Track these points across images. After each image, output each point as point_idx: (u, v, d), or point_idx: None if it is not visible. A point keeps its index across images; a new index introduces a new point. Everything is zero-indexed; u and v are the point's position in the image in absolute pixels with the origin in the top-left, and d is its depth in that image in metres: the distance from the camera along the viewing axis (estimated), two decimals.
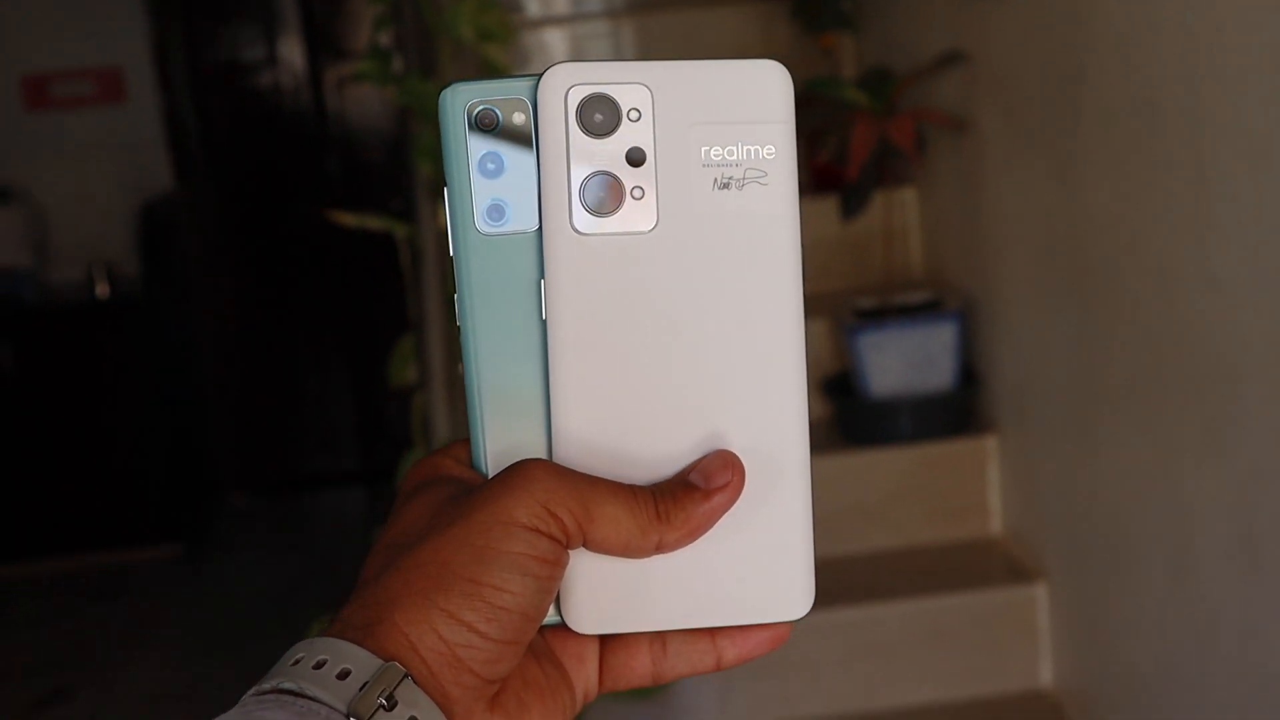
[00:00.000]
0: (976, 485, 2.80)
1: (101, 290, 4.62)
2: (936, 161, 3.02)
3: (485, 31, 2.03)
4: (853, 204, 2.82)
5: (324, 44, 5.04)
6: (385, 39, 2.27)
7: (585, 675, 0.55)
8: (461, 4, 2.03)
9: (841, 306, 2.93)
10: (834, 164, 3.01)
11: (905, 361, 2.79)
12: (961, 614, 2.62)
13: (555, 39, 3.55)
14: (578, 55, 3.57)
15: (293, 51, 5.02)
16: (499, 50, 2.04)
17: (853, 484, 2.80)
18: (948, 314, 2.79)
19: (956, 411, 2.82)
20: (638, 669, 0.55)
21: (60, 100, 4.79)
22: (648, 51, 3.50)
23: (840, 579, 2.72)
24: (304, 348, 5.15)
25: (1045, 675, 2.59)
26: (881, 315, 2.82)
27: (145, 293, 4.62)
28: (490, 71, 2.09)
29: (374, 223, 1.93)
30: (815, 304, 3.12)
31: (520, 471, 0.51)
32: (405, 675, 0.48)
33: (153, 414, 4.61)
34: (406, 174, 2.11)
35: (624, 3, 3.78)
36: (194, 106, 4.97)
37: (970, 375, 2.85)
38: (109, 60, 4.80)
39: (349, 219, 1.89)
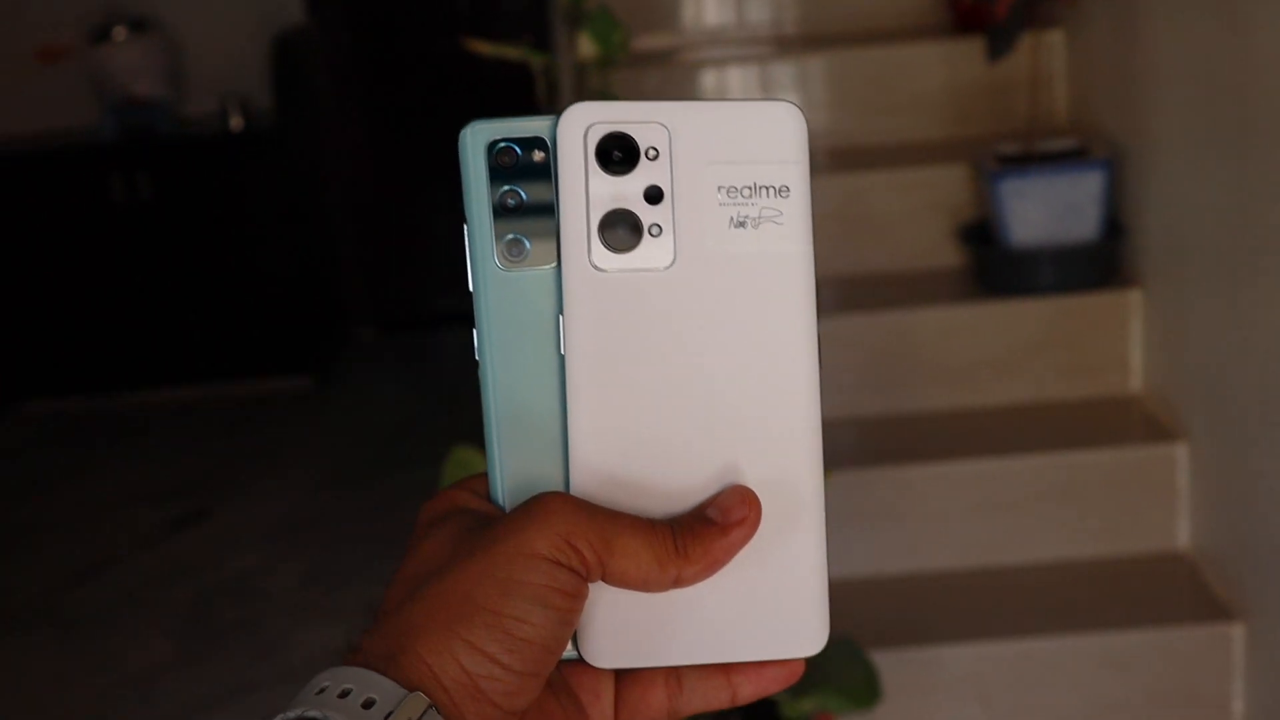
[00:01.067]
0: (1118, 340, 2.72)
1: (235, 123, 4.64)
2: (1088, 2, 2.89)
3: None
4: (999, 45, 2.71)
5: None
6: None
7: (601, 710, 0.56)
8: None
9: (983, 152, 2.84)
10: (981, 3, 2.89)
11: (1048, 210, 2.70)
12: (1097, 472, 2.56)
13: (727, 78, 3.35)
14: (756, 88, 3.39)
15: None
16: None
17: (988, 335, 2.74)
18: (1094, 162, 2.69)
19: (1100, 263, 2.73)
20: (653, 704, 0.56)
21: None
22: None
23: (972, 431, 2.68)
24: (433, 183, 5.14)
25: (1182, 537, 2.53)
26: (1025, 162, 2.73)
27: (277, 126, 4.63)
28: None
29: (510, 52, 1.88)
30: (955, 149, 3.03)
31: (541, 504, 0.51)
32: (429, 705, 0.48)
33: (284, 247, 4.65)
34: (543, 4, 2.05)
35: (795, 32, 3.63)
36: None
37: (1115, 226, 2.76)
38: None
39: (485, 48, 1.85)
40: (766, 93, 3.25)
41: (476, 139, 0.54)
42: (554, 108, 1.94)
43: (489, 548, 0.50)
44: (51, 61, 4.83)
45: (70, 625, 3.37)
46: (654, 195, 0.53)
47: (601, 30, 1.89)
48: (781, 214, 0.53)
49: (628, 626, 0.54)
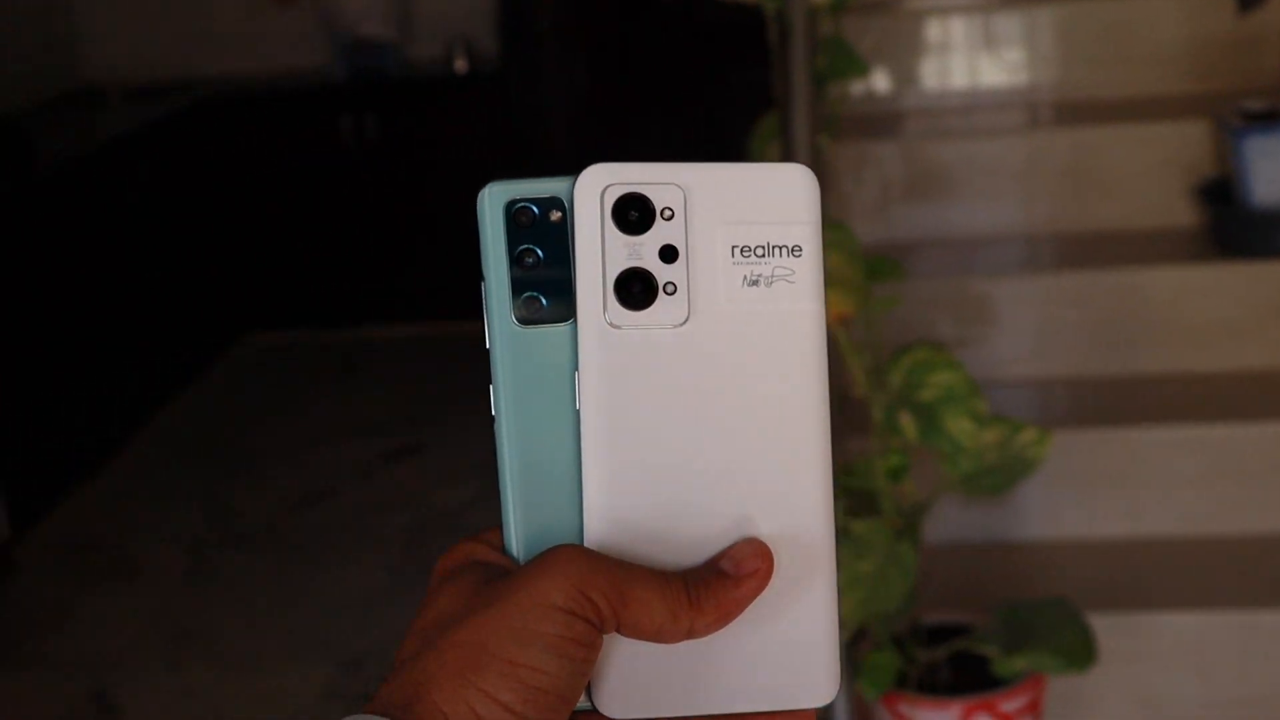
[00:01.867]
0: None
1: (460, 65, 4.71)
2: None
3: None
4: None
5: None
6: None
7: None
8: None
9: (1226, 108, 2.73)
10: None
11: None
12: None
13: (950, 27, 3.27)
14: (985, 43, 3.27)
15: None
16: None
17: (1224, 297, 2.64)
18: None
19: None
20: None
21: None
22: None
23: (1202, 396, 2.59)
24: (656, 127, 5.15)
25: None
26: (1272, 118, 2.62)
27: (501, 69, 4.69)
28: None
29: None
30: (1194, 104, 2.92)
31: (556, 555, 0.52)
32: None
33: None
34: None
35: None
36: None
37: None
38: None
39: None
40: (991, 45, 3.18)
41: (495, 199, 0.55)
42: (786, 53, 1.93)
43: (505, 598, 0.51)
44: (286, 3, 4.97)
45: (292, 549, 3.49)
46: (669, 254, 0.54)
47: None
48: (794, 273, 0.54)
49: (641, 677, 0.55)
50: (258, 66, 4.96)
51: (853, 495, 1.94)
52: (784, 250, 0.54)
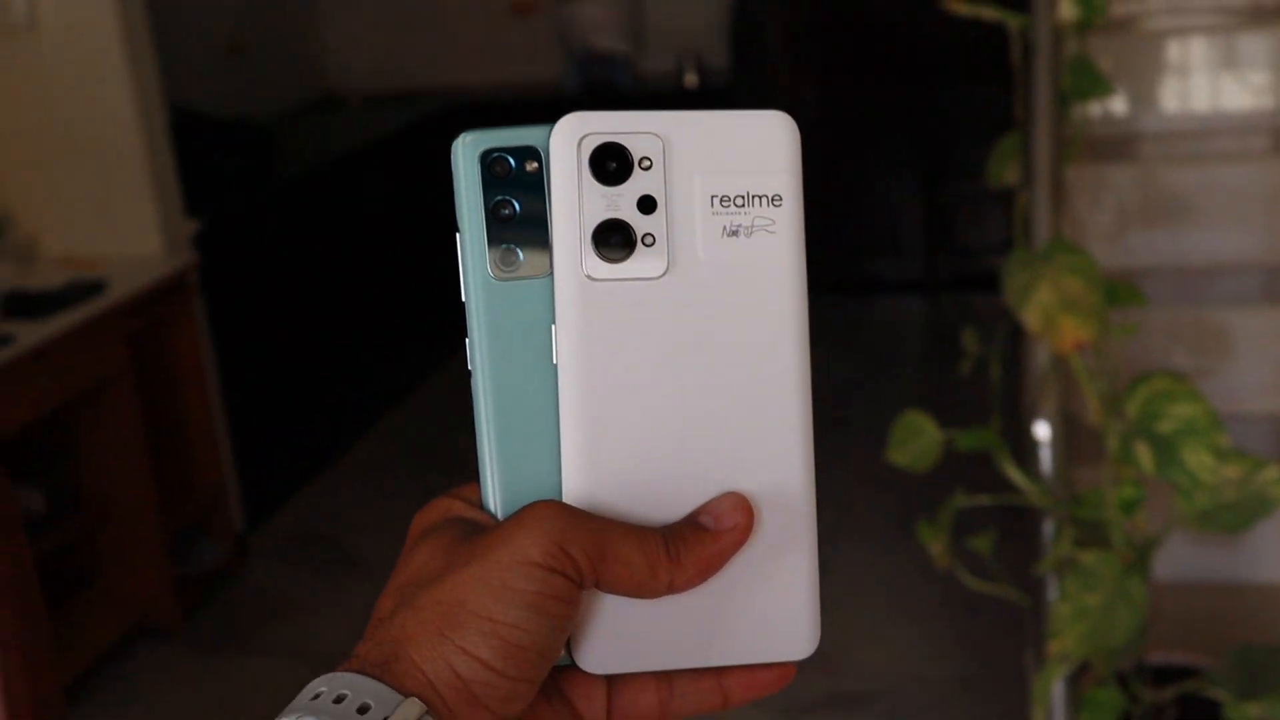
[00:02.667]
0: None
1: (690, 80, 4.75)
2: None
3: None
4: None
5: None
6: None
7: (594, 713, 0.56)
8: None
9: None
10: None
11: None
12: None
13: (1189, 47, 3.19)
14: None
15: None
16: None
17: None
18: None
19: None
20: (645, 707, 0.56)
21: None
22: None
23: None
24: (878, 147, 5.12)
25: None
26: None
27: (731, 84, 4.72)
28: None
29: (988, 13, 1.84)
30: None
31: (534, 512, 0.51)
32: (425, 710, 0.48)
33: None
34: None
35: None
36: None
37: None
38: None
39: (962, 7, 1.82)
40: (1233, 66, 3.08)
41: (470, 149, 0.54)
42: (1030, 72, 1.89)
43: (483, 555, 0.51)
44: (525, 14, 5.07)
45: None
46: (647, 205, 0.53)
47: None
48: (774, 223, 0.54)
49: (621, 632, 0.54)
50: (494, 77, 5.08)
51: (1081, 526, 1.89)
52: (764, 200, 0.54)
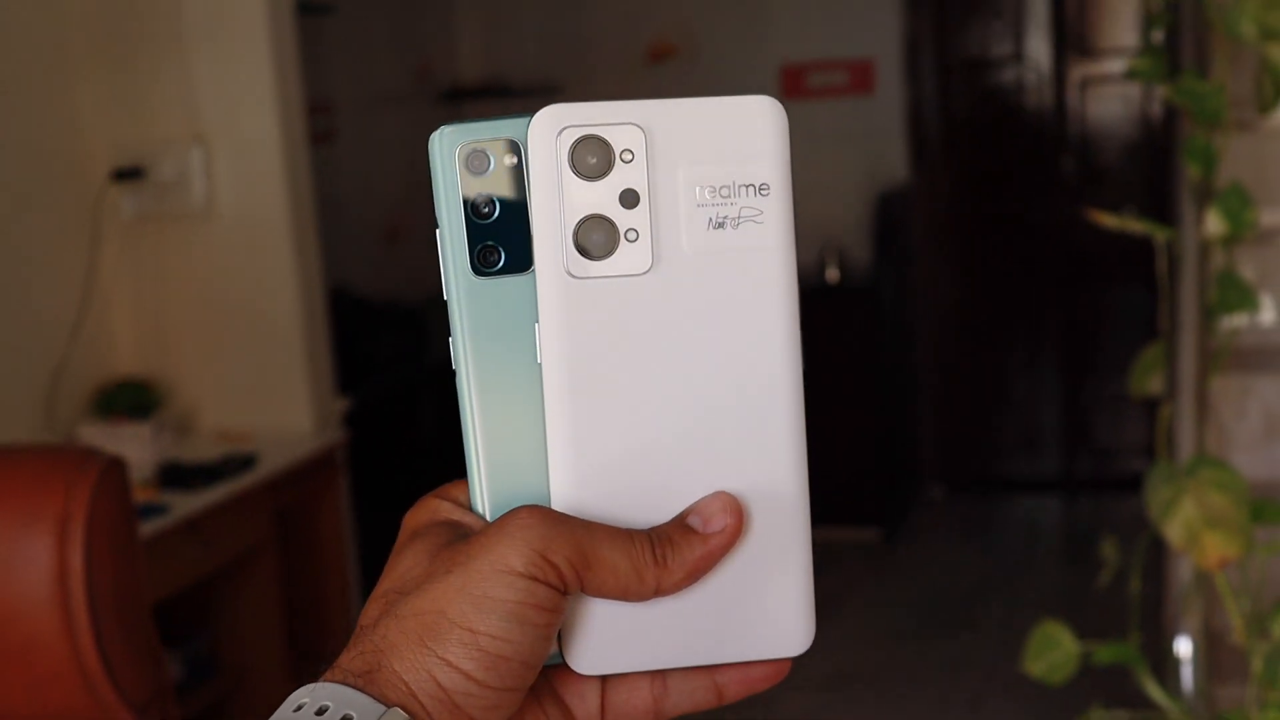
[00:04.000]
0: None
1: (831, 275, 4.80)
2: None
3: (1268, 30, 1.91)
4: None
5: (1071, 42, 4.97)
6: (1157, 36, 2.19)
7: (587, 712, 0.55)
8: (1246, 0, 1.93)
9: None
10: None
11: None
12: None
13: None
14: None
15: (1039, 48, 4.98)
16: None
17: None
18: None
19: None
20: (639, 706, 0.55)
21: (815, 89, 5.02)
22: None
23: None
24: (1017, 346, 5.11)
25: None
26: None
27: (873, 281, 4.76)
28: (1272, 74, 1.97)
29: (1134, 225, 1.87)
30: None
31: (515, 519, 0.50)
32: None
33: (867, 399, 4.74)
34: (1171, 177, 2.02)
35: None
36: (937, 99, 5.06)
37: None
38: (862, 52, 4.98)
39: (1110, 220, 1.85)
40: None
41: (447, 143, 0.52)
42: (1175, 284, 1.91)
43: (464, 563, 0.50)
44: None
45: None
46: (630, 199, 0.51)
47: (1233, 207, 1.85)
48: (762, 213, 0.52)
49: (613, 632, 0.53)
50: None
51: None
52: (751, 189, 0.52)
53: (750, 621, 0.54)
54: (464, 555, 0.50)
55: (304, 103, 3.22)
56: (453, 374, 0.54)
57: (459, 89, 5.33)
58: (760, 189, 0.52)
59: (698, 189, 0.52)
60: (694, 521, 0.53)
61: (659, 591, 0.52)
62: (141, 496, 2.71)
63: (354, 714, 0.48)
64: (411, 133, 5.08)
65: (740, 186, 0.52)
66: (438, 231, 0.54)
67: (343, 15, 4.49)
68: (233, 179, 3.14)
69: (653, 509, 0.53)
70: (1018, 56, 5.00)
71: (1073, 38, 4.96)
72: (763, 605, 0.54)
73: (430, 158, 0.53)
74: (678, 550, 0.52)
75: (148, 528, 2.59)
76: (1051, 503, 5.11)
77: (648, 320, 0.52)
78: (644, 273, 0.52)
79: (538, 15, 5.31)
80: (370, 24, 4.82)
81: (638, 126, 0.52)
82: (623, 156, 0.51)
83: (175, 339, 3.27)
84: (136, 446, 2.92)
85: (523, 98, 5.26)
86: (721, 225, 0.52)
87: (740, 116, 0.52)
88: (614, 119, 0.51)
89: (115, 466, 1.40)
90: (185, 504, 2.75)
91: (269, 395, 3.27)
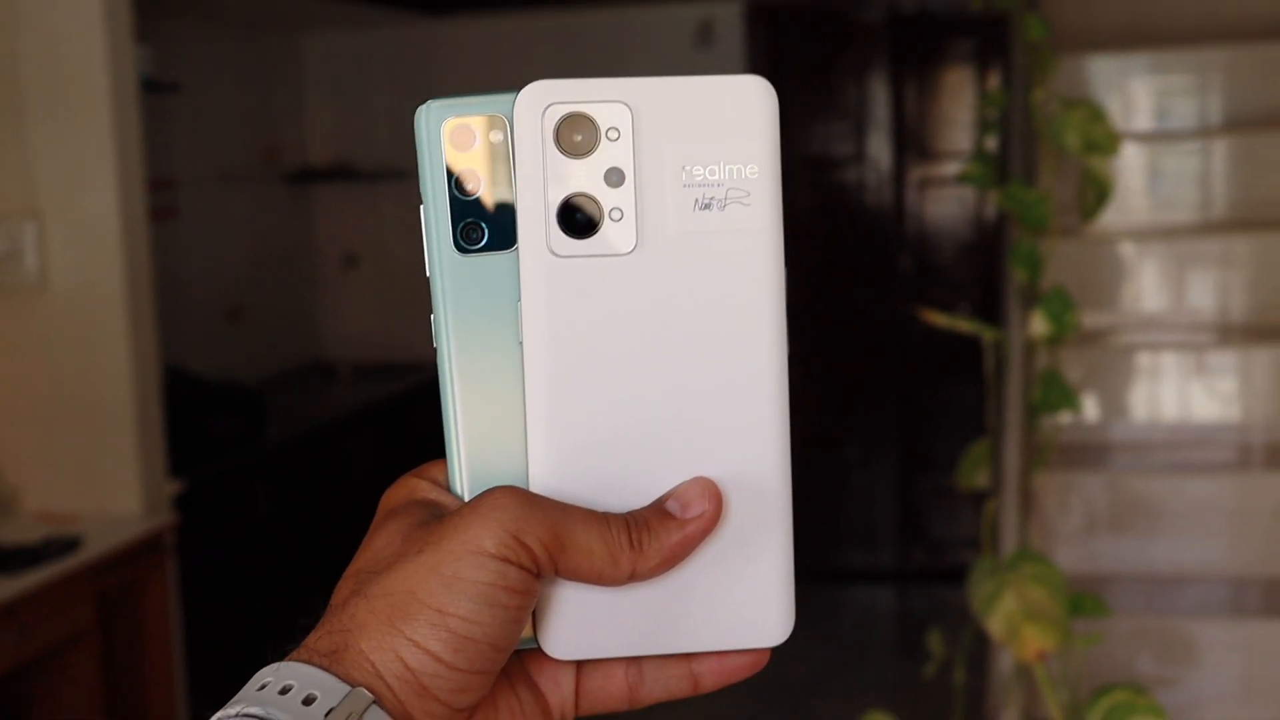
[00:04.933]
0: None
1: None
2: None
3: (1091, 142, 2.00)
4: None
5: (911, 144, 5.11)
6: (990, 143, 2.28)
7: (561, 698, 0.54)
8: (1071, 113, 2.01)
9: None
10: None
11: None
12: None
13: (1133, 155, 3.40)
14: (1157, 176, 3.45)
15: (880, 149, 5.12)
16: (1102, 162, 2.00)
17: None
18: None
19: None
20: (613, 692, 0.54)
21: None
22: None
23: None
24: (854, 439, 5.20)
25: None
26: None
27: None
28: (1094, 184, 2.05)
29: (963, 325, 1.93)
30: None
31: (489, 500, 0.50)
32: (372, 701, 0.47)
33: None
34: (998, 278, 2.09)
35: (1219, 121, 3.62)
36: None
37: None
38: None
39: (940, 319, 1.90)
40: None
41: (433, 118, 0.52)
42: (1001, 384, 1.97)
43: (436, 545, 0.49)
44: None
45: None
46: (615, 178, 0.51)
47: (1056, 310, 1.91)
48: (749, 195, 0.51)
49: (588, 618, 0.52)
50: None
51: None
52: (738, 170, 0.51)
53: (728, 610, 0.53)
54: (436, 535, 0.49)
55: (146, 179, 3.17)
56: None
57: (308, 170, 5.31)
58: (748, 170, 0.51)
59: (685, 169, 0.51)
60: (672, 506, 0.52)
61: (634, 576, 0.51)
62: None
63: (318, 693, 0.47)
64: (257, 212, 5.04)
65: (727, 168, 0.51)
66: (421, 208, 0.53)
67: (190, 92, 4.45)
68: (68, 253, 3.08)
69: (631, 493, 0.52)
70: (859, 156, 5.14)
71: (913, 140, 5.11)
72: (741, 594, 0.53)
73: (415, 132, 0.52)
74: (654, 535, 0.51)
75: None
76: (886, 593, 5.18)
77: (631, 301, 0.51)
78: (628, 253, 0.51)
79: (388, 98, 5.32)
80: (219, 102, 4.79)
81: (625, 104, 0.51)
82: (609, 135, 0.51)
83: (0, 415, 3.18)
84: None
85: (371, 181, 5.26)
86: (708, 206, 0.51)
87: (730, 97, 0.51)
88: (601, 96, 0.51)
89: None
90: (2, 588, 2.67)
91: (97, 476, 3.18)
